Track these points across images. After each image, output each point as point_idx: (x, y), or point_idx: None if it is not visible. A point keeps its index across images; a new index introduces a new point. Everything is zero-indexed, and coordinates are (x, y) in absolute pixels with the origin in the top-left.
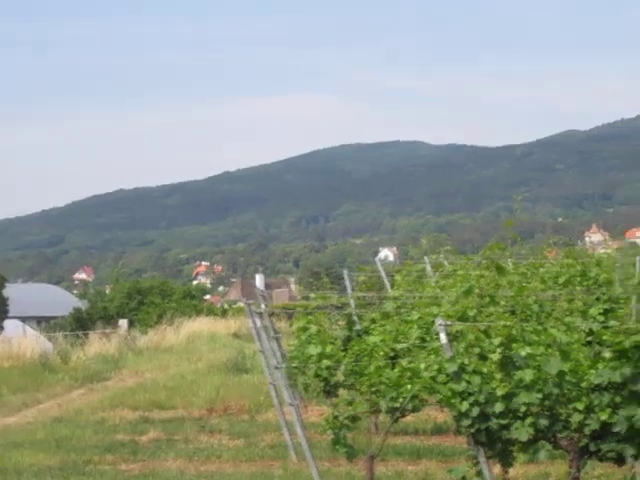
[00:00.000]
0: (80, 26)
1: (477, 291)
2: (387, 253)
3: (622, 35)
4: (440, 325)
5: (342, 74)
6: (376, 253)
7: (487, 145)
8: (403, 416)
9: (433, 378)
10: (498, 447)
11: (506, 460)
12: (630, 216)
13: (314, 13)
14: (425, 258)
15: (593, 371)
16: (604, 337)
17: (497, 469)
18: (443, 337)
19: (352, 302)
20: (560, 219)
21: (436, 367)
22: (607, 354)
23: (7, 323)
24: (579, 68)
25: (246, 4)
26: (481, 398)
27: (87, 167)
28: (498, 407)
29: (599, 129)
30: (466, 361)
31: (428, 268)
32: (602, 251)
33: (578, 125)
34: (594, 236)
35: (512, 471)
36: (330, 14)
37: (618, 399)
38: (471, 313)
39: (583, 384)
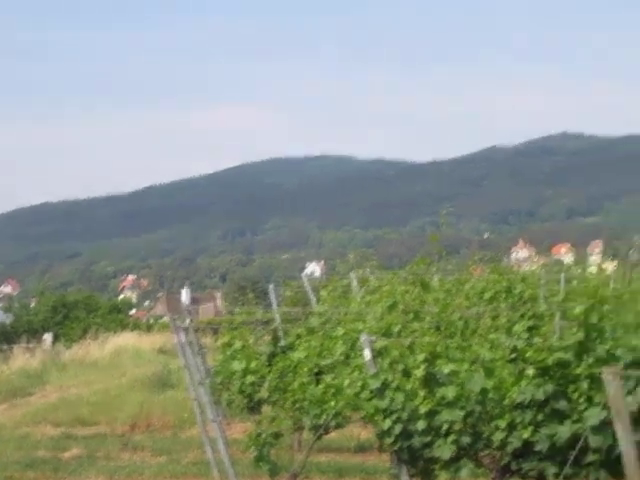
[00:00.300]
0: None
1: (402, 307)
2: (314, 268)
3: (545, 51)
4: (364, 341)
5: (271, 87)
6: (303, 268)
7: (414, 160)
8: (327, 433)
9: (357, 394)
10: (420, 465)
11: (428, 478)
12: (555, 232)
13: (243, 23)
14: (351, 273)
15: (516, 388)
16: (528, 354)
17: None
18: (367, 353)
19: (277, 317)
20: (486, 235)
21: (360, 383)
22: (530, 371)
23: None
24: (505, 83)
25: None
26: (404, 415)
27: (12, 179)
28: (421, 424)
29: (525, 145)
30: (390, 377)
31: (354, 283)
32: (527, 267)
33: (504, 141)
34: (521, 252)
35: None
36: (261, 26)
37: (540, 417)
38: (395, 329)
39: (506, 401)
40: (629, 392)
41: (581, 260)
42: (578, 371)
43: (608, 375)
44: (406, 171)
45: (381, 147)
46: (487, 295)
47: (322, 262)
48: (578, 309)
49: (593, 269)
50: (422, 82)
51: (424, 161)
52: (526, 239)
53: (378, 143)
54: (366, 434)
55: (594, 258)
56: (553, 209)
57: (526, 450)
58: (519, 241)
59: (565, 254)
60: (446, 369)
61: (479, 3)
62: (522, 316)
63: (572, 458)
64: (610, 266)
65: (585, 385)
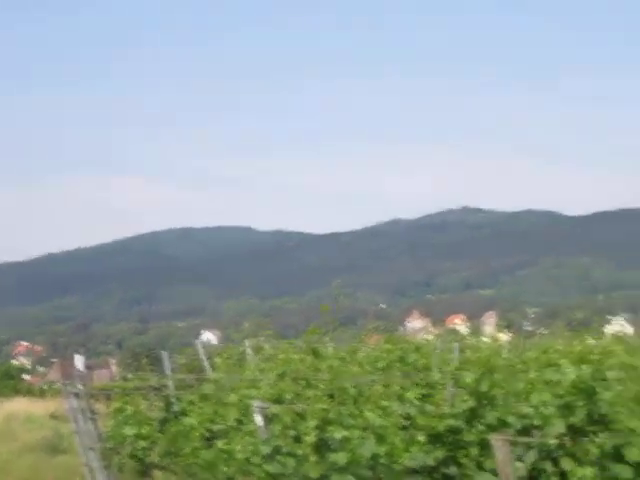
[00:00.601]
0: None
1: (293, 375)
2: (210, 336)
3: (446, 127)
4: (256, 407)
5: (172, 158)
6: (199, 336)
7: (314, 232)
8: None
9: (248, 460)
10: None
11: None
12: (451, 303)
13: (137, 93)
14: (246, 341)
15: (407, 454)
16: (419, 421)
17: None
18: (259, 419)
19: (171, 384)
20: (382, 305)
21: (251, 449)
22: (421, 438)
23: None
24: (407, 158)
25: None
26: None
27: None
28: None
29: (424, 218)
30: (281, 443)
31: (249, 351)
32: (422, 337)
33: (404, 214)
34: (416, 322)
35: None
36: (151, 95)
37: None
38: (288, 396)
39: (397, 467)
40: (519, 458)
41: (475, 330)
42: (469, 438)
43: (497, 441)
44: (305, 242)
45: (281, 219)
46: (381, 364)
47: (218, 331)
48: (469, 377)
49: (487, 339)
50: (324, 155)
51: (323, 233)
52: (421, 310)
53: (278, 215)
54: None
55: (488, 328)
56: (450, 281)
57: None
58: (413, 312)
59: (460, 325)
60: (338, 435)
61: (382, 73)
62: (415, 384)
63: None
64: (504, 336)
65: (475, 451)
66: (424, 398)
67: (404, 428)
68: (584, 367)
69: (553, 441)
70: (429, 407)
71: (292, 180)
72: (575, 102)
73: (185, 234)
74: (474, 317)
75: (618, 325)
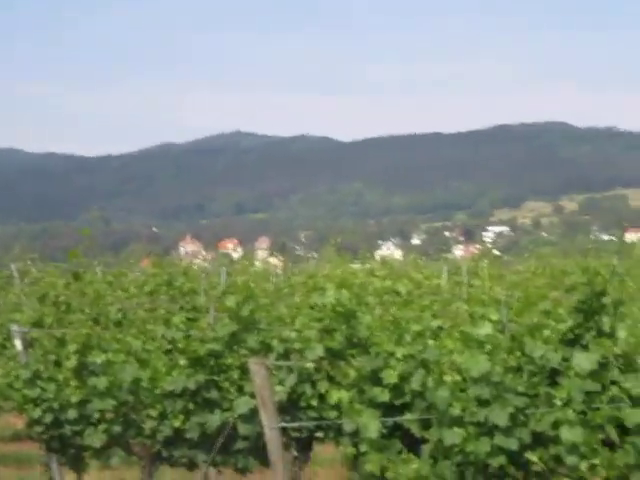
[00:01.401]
0: None
1: (54, 299)
2: None
3: (224, 53)
4: (15, 332)
5: None
6: None
7: (85, 155)
8: None
9: (10, 385)
10: (71, 453)
11: (79, 466)
12: (224, 227)
13: None
14: (12, 265)
15: (169, 378)
16: (181, 345)
17: (73, 475)
18: (18, 343)
19: None
20: (155, 229)
21: (14, 373)
22: (183, 362)
23: None
24: (181, 82)
25: None
26: (55, 405)
27: None
28: (72, 414)
29: (197, 142)
30: (41, 368)
31: (15, 274)
32: (192, 261)
33: (176, 138)
34: (189, 246)
35: (88, 477)
36: None
37: (191, 406)
38: (49, 320)
39: (158, 391)
40: (280, 382)
41: (248, 255)
42: (230, 361)
43: (254, 365)
44: (76, 166)
45: (52, 141)
46: (147, 288)
47: None
48: (230, 302)
49: (258, 264)
50: (98, 80)
51: (95, 155)
52: (195, 234)
53: (49, 137)
54: (22, 423)
55: (261, 253)
56: (223, 205)
57: (177, 438)
58: (187, 236)
59: (232, 249)
60: (99, 359)
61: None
62: (181, 308)
63: (220, 445)
64: (275, 260)
65: (236, 375)
66: (190, 322)
67: (168, 352)
68: (344, 291)
69: (310, 364)
70: (194, 332)
71: (63, 102)
72: (350, 31)
73: None
74: (247, 241)
75: (387, 250)
